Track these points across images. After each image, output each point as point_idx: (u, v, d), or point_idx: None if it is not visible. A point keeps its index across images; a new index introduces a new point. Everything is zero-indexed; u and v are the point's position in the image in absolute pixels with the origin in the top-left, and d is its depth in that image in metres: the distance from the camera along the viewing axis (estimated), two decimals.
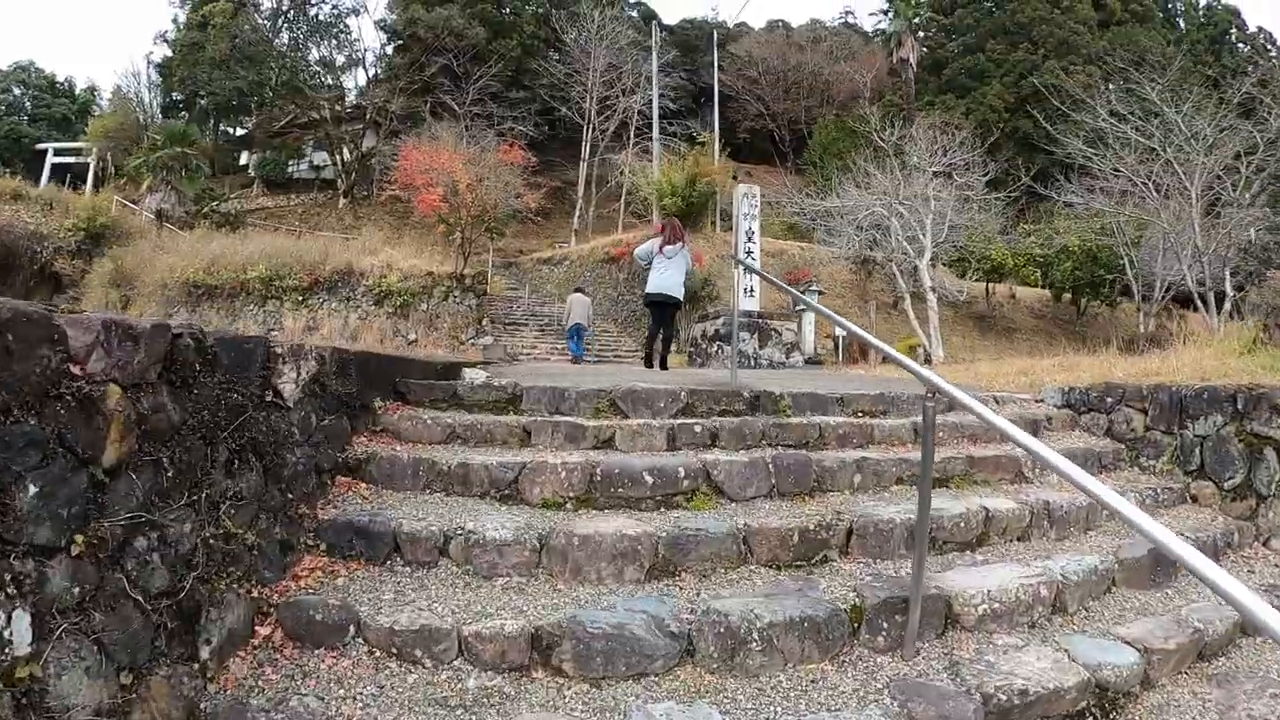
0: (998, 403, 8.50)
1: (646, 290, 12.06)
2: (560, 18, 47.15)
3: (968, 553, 5.16)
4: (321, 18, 51.52)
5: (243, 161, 54.53)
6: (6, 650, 2.40)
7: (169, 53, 52.76)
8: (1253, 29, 64.76)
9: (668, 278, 11.72)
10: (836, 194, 27.96)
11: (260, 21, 49.35)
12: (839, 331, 23.18)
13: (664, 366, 11.96)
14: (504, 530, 4.25)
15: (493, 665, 3.53)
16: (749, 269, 8.94)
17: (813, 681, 3.68)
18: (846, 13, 73.96)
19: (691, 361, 19.84)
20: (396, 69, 49.31)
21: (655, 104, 39.74)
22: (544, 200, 32.94)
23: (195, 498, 3.40)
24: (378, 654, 3.61)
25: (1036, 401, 9.11)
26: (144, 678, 2.98)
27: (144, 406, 3.08)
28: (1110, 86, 28.75)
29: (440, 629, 3.58)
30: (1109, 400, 8.44)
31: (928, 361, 21.10)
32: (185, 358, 3.36)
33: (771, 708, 3.44)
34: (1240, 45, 61.71)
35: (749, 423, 6.15)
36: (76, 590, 2.74)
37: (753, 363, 18.25)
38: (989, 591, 4.35)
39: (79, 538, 2.75)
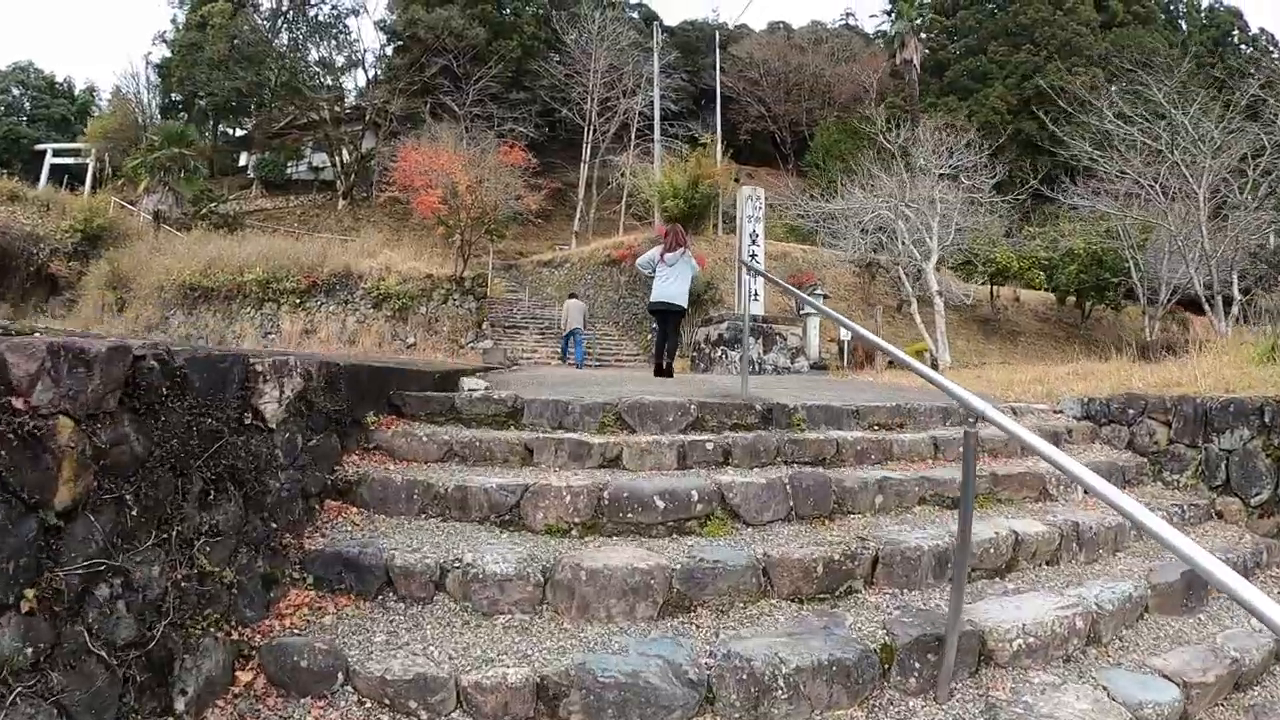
0: (1016, 414, 8.24)
1: (650, 299, 11.98)
2: (561, 19, 46.85)
3: (997, 580, 4.89)
4: (321, 18, 51.30)
5: (241, 162, 54.28)
6: None
7: (168, 53, 52.62)
8: (1254, 30, 64.78)
9: (671, 286, 11.61)
10: (842, 196, 27.61)
11: (259, 22, 49.12)
12: (844, 336, 22.88)
13: (669, 373, 11.77)
14: (505, 563, 3.91)
15: (494, 718, 3.20)
16: (757, 273, 8.58)
17: None
18: (847, 14, 74.16)
19: (694, 366, 19.52)
20: (396, 70, 49.03)
21: (657, 105, 39.49)
22: (544, 202, 32.66)
23: (165, 536, 3.08)
24: (368, 704, 3.29)
25: (1055, 412, 8.82)
26: None
27: (102, 439, 2.75)
28: (1113, 88, 28.38)
29: (436, 678, 3.26)
30: (1130, 412, 8.17)
31: (934, 366, 20.78)
32: (150, 382, 3.03)
33: None
34: (1242, 47, 61.59)
35: (763, 439, 5.84)
36: (30, 651, 2.44)
37: (757, 368, 17.93)
38: (1024, 625, 4.08)
39: (29, 592, 2.45)
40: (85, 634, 2.64)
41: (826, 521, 5.04)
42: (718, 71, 44.40)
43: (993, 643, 3.97)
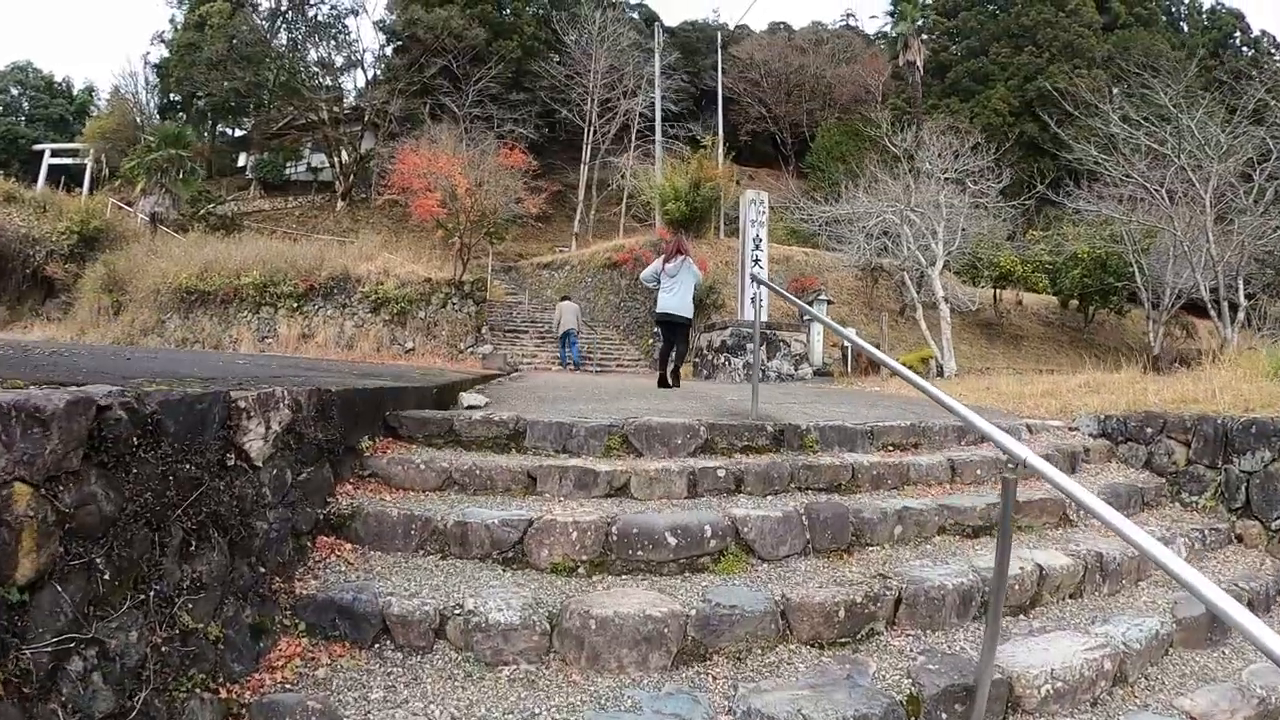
0: (1030, 431, 8.05)
1: (656, 310, 11.99)
2: (561, 19, 46.79)
3: (1021, 617, 4.65)
4: (320, 18, 51.14)
5: (240, 163, 54.19)
6: None
7: (166, 53, 52.47)
8: (1256, 32, 64.69)
9: (675, 297, 11.57)
10: (847, 200, 27.38)
11: (258, 22, 48.91)
12: (847, 342, 22.67)
13: (676, 383, 11.72)
14: (509, 610, 3.64)
15: None
16: (763, 284, 8.31)
17: None
18: (848, 15, 74.03)
19: (697, 373, 19.32)
20: (395, 70, 48.86)
21: (659, 106, 39.34)
22: (544, 204, 32.50)
23: (142, 597, 2.82)
24: None
25: (1070, 430, 8.60)
26: None
27: (65, 502, 2.49)
28: (1116, 91, 28.25)
29: None
30: (1148, 430, 7.95)
31: (939, 374, 20.59)
32: (118, 434, 2.77)
33: None
34: (1244, 49, 61.46)
35: (776, 464, 5.59)
36: None
37: (760, 375, 17.67)
38: (1052, 670, 3.86)
39: None
40: (59, 713, 2.40)
41: (845, 555, 4.81)
42: (719, 72, 44.28)
43: (1020, 689, 3.75)
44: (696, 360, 19.80)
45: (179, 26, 51.76)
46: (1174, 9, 66.22)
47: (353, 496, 4.70)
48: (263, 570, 3.69)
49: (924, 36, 57.69)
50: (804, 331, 20.25)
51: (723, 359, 18.68)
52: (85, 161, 45.21)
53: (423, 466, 5.10)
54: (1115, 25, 57.03)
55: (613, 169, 43.02)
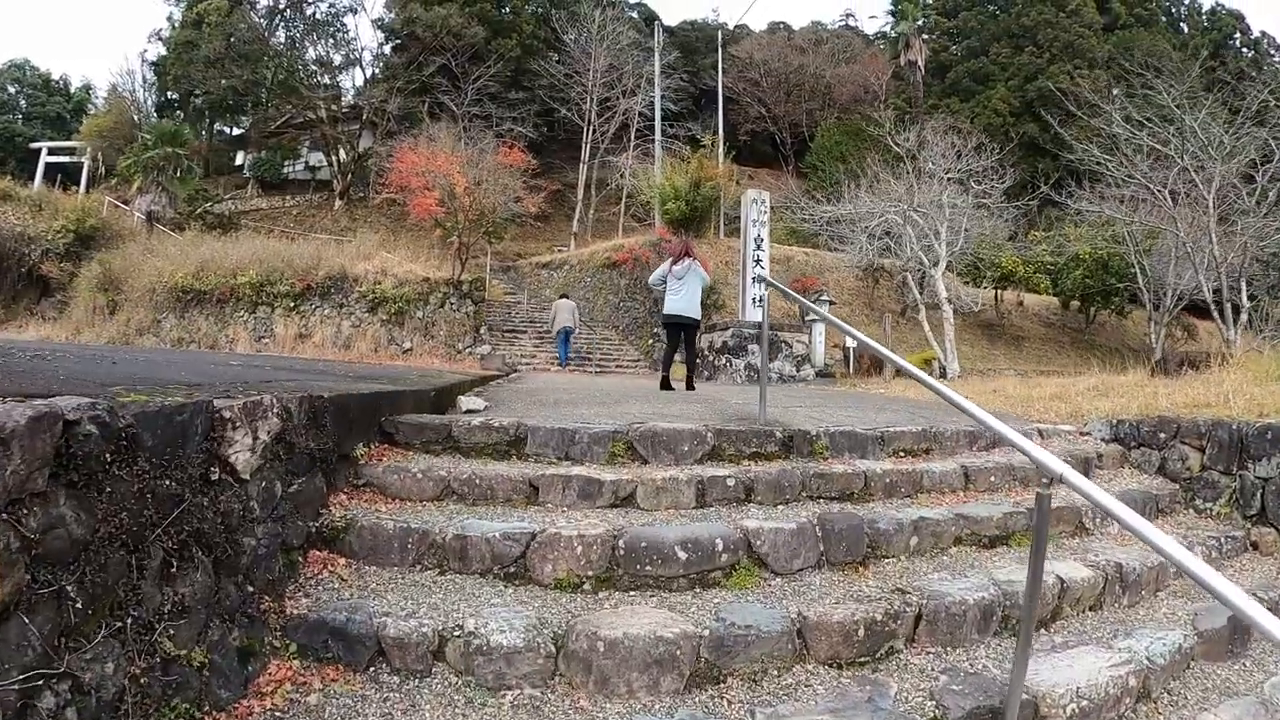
0: (1042, 435, 7.90)
1: (663, 312, 11.91)
2: (560, 18, 46.57)
3: (1043, 632, 4.45)
4: (318, 16, 50.80)
5: (238, 162, 53.88)
6: None
7: (164, 51, 52.11)
8: (1256, 34, 64.63)
9: (683, 299, 11.47)
10: (849, 199, 27.23)
11: (256, 20, 48.59)
12: (850, 343, 22.50)
13: (690, 387, 11.69)
14: (511, 631, 3.43)
15: None
16: (769, 283, 8.10)
17: None
18: (847, 15, 73.81)
19: (697, 374, 19.12)
20: (394, 68, 48.61)
21: (658, 105, 39.18)
22: (543, 203, 32.37)
23: (119, 624, 2.62)
24: None
25: (1082, 434, 8.44)
26: None
27: (31, 527, 2.28)
28: (1116, 91, 28.14)
29: None
30: (1162, 436, 7.80)
31: (942, 375, 20.41)
32: (89, 450, 2.56)
33: None
34: (1244, 50, 61.41)
35: (786, 473, 5.39)
36: None
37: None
38: (1077, 688, 3.66)
39: None
40: None
41: (860, 569, 4.62)
42: (720, 71, 44.16)
43: (1046, 708, 3.56)
44: (696, 361, 19.61)
45: (176, 24, 51.40)
46: (1174, 10, 66.16)
47: (347, 508, 4.49)
48: (251, 589, 3.48)
49: (924, 36, 57.59)
50: (805, 332, 20.10)
51: (724, 360, 18.51)
52: (82, 160, 44.96)
53: (420, 475, 4.88)
54: (1116, 26, 56.99)
55: (612, 168, 42.87)
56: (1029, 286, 34.84)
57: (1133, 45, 45.91)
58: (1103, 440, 8.28)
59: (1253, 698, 4.22)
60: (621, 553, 4.14)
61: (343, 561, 4.14)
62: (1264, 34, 64.72)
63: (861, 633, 3.82)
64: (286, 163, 51.41)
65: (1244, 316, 24.16)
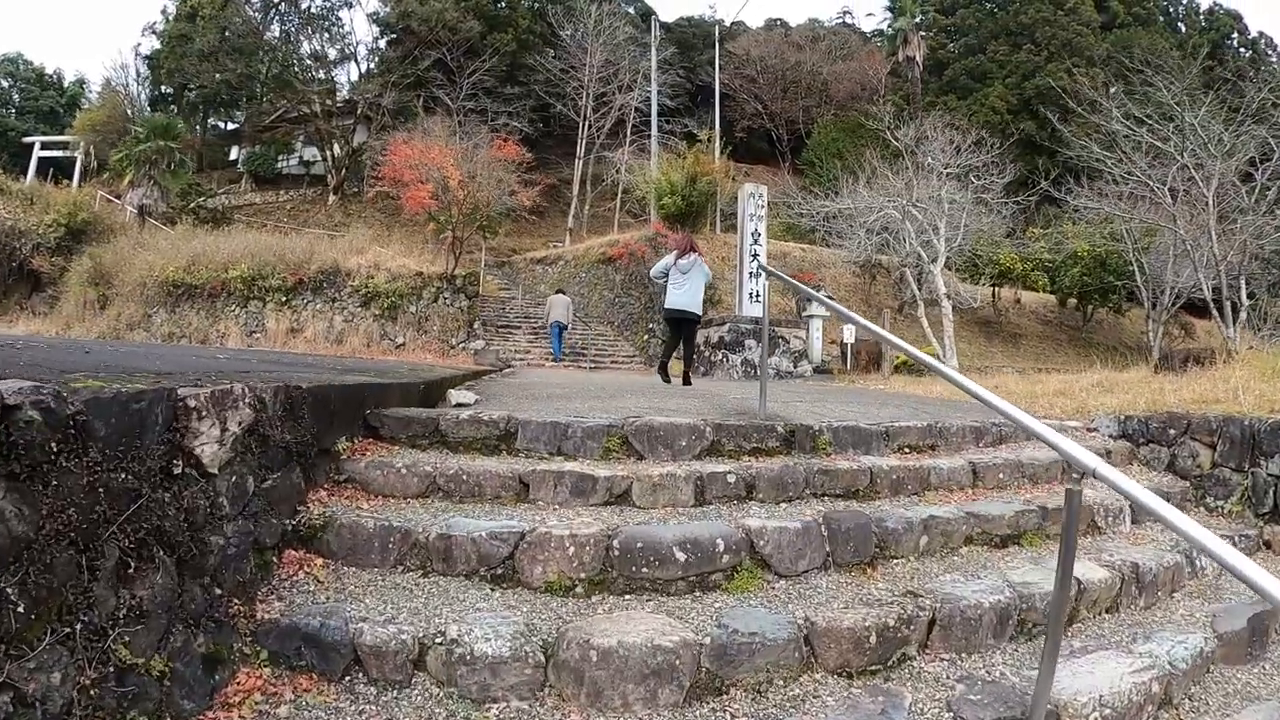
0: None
1: (665, 306, 11.81)
2: (556, 13, 46.36)
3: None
4: (313, 10, 50.43)
5: (232, 156, 53.59)
6: None
7: (157, 45, 51.81)
8: (1254, 34, 64.60)
9: (686, 294, 11.42)
10: (848, 195, 27.03)
11: (250, 13, 48.26)
12: (848, 338, 22.32)
13: (686, 382, 11.55)
14: (498, 639, 3.18)
15: None
16: (773, 274, 7.85)
17: None
18: (844, 12, 73.63)
19: (693, 369, 18.94)
20: (389, 63, 48.31)
21: (654, 100, 38.93)
22: (538, 198, 32.09)
23: (68, 630, 2.38)
24: None
25: (1089, 430, 8.22)
26: None
27: None
28: (1113, 89, 28.03)
29: None
30: (1171, 432, 7.60)
31: None
32: (30, 438, 2.31)
33: None
34: (1241, 50, 61.36)
35: (789, 469, 5.14)
36: None
37: (758, 371, 17.30)
38: (1100, 696, 3.46)
39: None
40: None
41: (868, 570, 4.38)
42: (716, 68, 43.92)
43: (1068, 718, 3.34)
44: (694, 355, 19.43)
45: (170, 17, 51.07)
46: (1172, 9, 66.03)
47: (326, 505, 4.23)
48: (219, 592, 3.24)
49: (921, 34, 57.47)
50: (803, 328, 19.89)
51: (720, 355, 18.28)
52: (75, 154, 44.71)
53: (404, 471, 4.62)
54: (1114, 24, 56.87)
55: (608, 164, 42.62)
56: (1026, 284, 34.71)
57: (1131, 44, 45.78)
58: (1110, 437, 8.06)
59: (1275, 702, 4.07)
60: (616, 553, 3.88)
61: (320, 562, 3.88)
62: (1262, 34, 64.80)
63: (873, 639, 3.58)
64: (281, 157, 51.11)
65: (1243, 315, 24.07)
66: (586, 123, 43.72)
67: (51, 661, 2.33)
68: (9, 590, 2.20)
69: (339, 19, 51.83)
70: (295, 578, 3.72)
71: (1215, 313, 24.09)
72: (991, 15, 58.69)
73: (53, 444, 2.40)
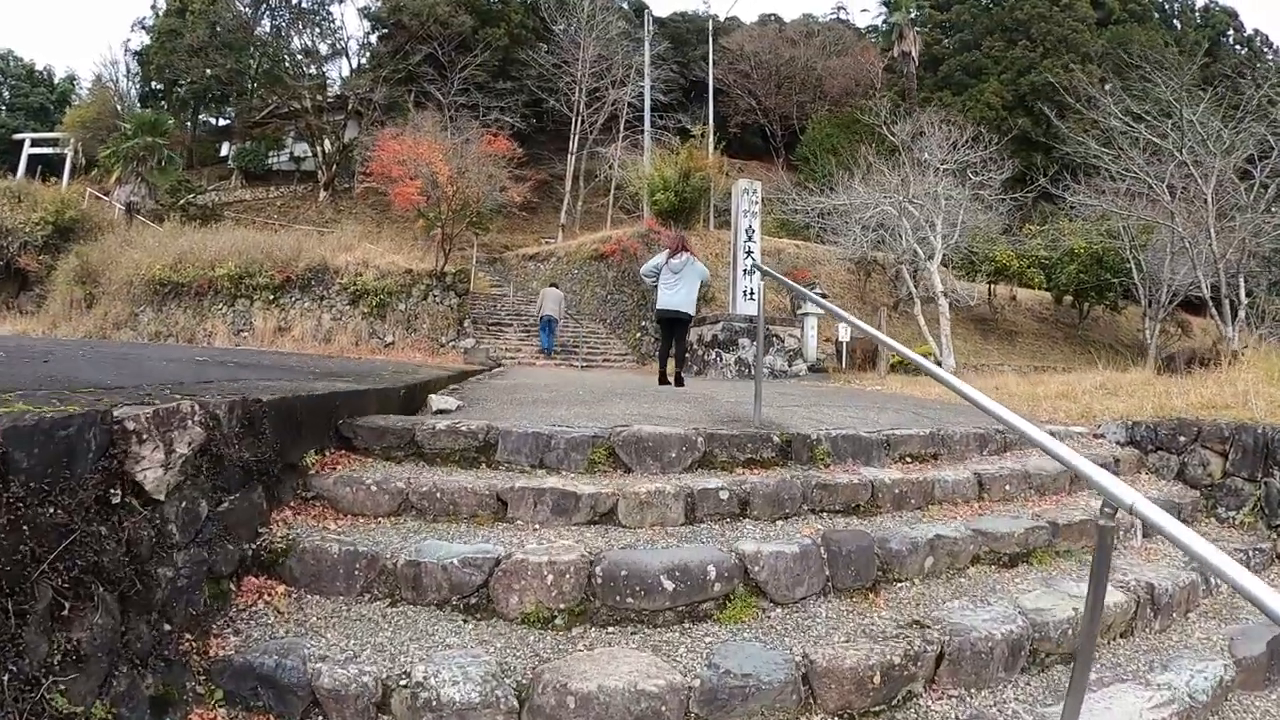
0: (1055, 438, 7.35)
1: (657, 307, 11.69)
2: (549, 7, 45.85)
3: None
4: (304, 5, 50.02)
5: (222, 152, 53.27)
6: None
7: (147, 40, 51.44)
8: (1249, 31, 64.50)
9: (677, 294, 11.31)
10: (843, 191, 26.79)
11: (241, 8, 47.85)
12: (843, 336, 22.07)
13: (679, 383, 11.42)
14: (467, 683, 2.89)
15: None
16: (764, 273, 7.56)
17: None
18: (839, 8, 73.11)
19: (686, 369, 18.68)
20: (380, 58, 47.97)
21: (647, 95, 38.62)
22: (530, 194, 31.89)
23: None
24: None
25: (1096, 437, 7.97)
26: None
27: None
28: (1108, 86, 27.89)
29: None
30: (1181, 439, 7.33)
31: None
32: None
33: None
34: (1237, 47, 61.27)
35: (786, 484, 4.85)
36: None
37: (752, 370, 17.11)
38: None
39: None
40: None
41: (870, 595, 4.10)
42: (710, 63, 43.62)
43: None
44: (686, 355, 19.19)
45: (160, 13, 50.71)
46: (1167, 6, 65.82)
47: (291, 525, 3.94)
48: (168, 627, 2.96)
49: (917, 29, 57.32)
50: (798, 327, 19.68)
51: (714, 354, 18.05)
52: (65, 151, 44.35)
53: (374, 488, 4.31)
54: (1109, 21, 56.66)
55: (600, 159, 42.33)
56: (1022, 281, 34.58)
57: (1127, 40, 45.69)
58: (1118, 443, 7.80)
59: None
60: (599, 582, 3.60)
61: (281, 589, 3.58)
62: (1258, 31, 64.82)
63: (877, 679, 3.29)
64: (271, 153, 50.77)
65: (1241, 314, 23.94)
66: (579, 118, 43.41)
67: None
68: None
69: (330, 14, 51.60)
70: (254, 608, 3.43)
71: (1214, 311, 23.99)
72: (986, 11, 58.51)
73: None
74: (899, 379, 16.18)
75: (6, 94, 59.16)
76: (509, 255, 37.61)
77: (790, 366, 18.51)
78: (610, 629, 3.51)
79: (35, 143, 47.04)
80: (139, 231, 28.69)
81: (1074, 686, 2.76)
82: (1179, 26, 63.30)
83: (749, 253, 18.04)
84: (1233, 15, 64.67)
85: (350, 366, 9.22)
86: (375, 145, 29.81)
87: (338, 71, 54.05)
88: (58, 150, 45.53)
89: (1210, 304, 24.00)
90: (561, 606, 3.54)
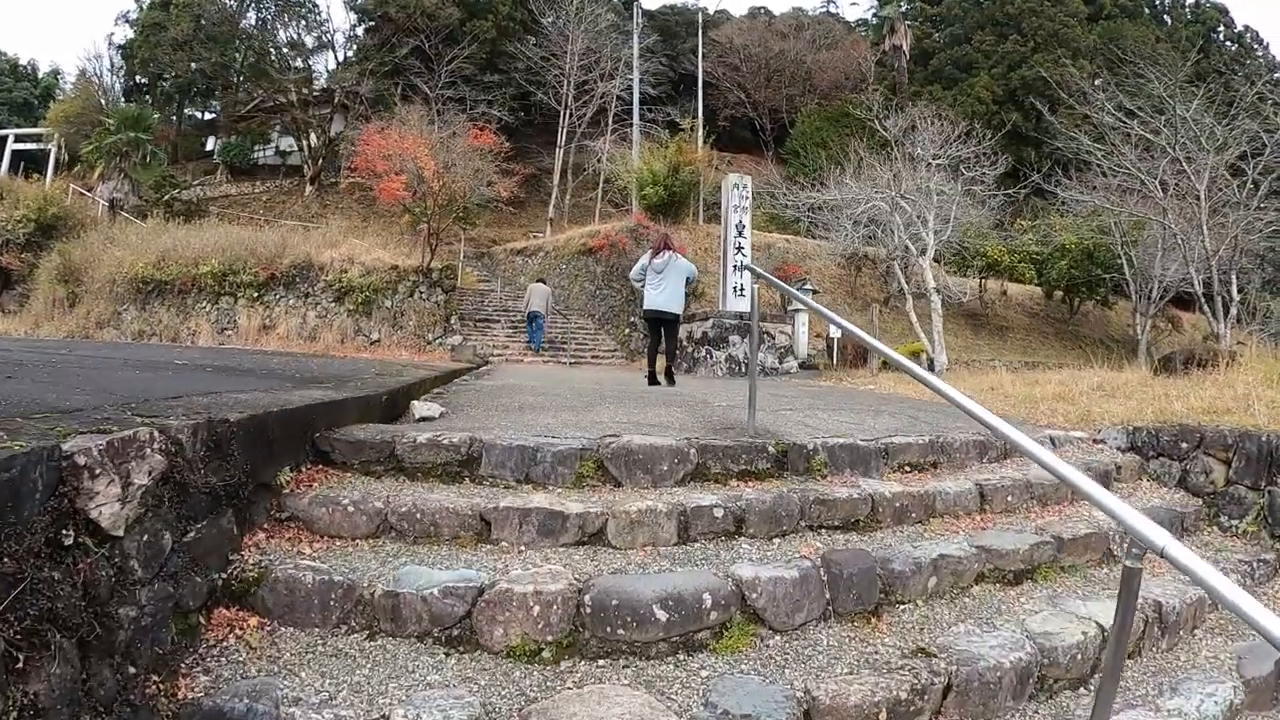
0: (1055, 444, 7.29)
1: (643, 308, 11.74)
2: None
3: (1083, 692, 3.84)
4: None
5: (208, 147, 52.96)
6: None
7: (131, 34, 51.03)
8: (1239, 28, 64.62)
9: (663, 293, 11.31)
10: (835, 185, 26.64)
11: (226, 1, 47.50)
12: (834, 333, 21.92)
13: (670, 381, 11.62)
14: None
15: None
16: (760, 275, 7.35)
17: None
18: (828, 1, 72.97)
19: (675, 365, 18.54)
20: (366, 50, 47.68)
21: (636, 89, 38.46)
22: (518, 189, 31.58)
23: None
24: None
25: (1096, 442, 7.81)
26: None
27: None
28: (1098, 81, 27.83)
29: None
30: (1183, 446, 7.23)
31: (930, 367, 19.82)
32: None
33: None
34: (1228, 43, 61.34)
35: (783, 499, 4.65)
36: None
37: (742, 368, 16.98)
38: None
39: None
40: None
41: (873, 620, 3.91)
42: (700, 56, 43.47)
43: None
44: (676, 353, 19.05)
45: (144, 6, 50.38)
46: (1158, 2, 65.74)
47: (264, 551, 3.72)
48: (133, 670, 2.75)
49: (907, 23, 57.26)
50: (788, 323, 19.54)
51: (703, 351, 17.89)
52: (49, 147, 44.01)
53: (351, 509, 4.08)
54: (1100, 16, 56.62)
55: (589, 153, 42.18)
56: (1013, 276, 34.57)
57: (1118, 36, 45.73)
58: (1118, 449, 7.67)
59: None
60: (588, 611, 3.40)
61: (254, 622, 3.35)
62: (1248, 28, 64.87)
63: (883, 716, 3.11)
64: (257, 148, 50.54)
65: (1233, 311, 23.96)
66: (567, 111, 43.18)
67: None
68: None
69: (316, 6, 51.44)
70: (225, 643, 3.21)
71: (1205, 307, 24.01)
72: (978, 5, 58.40)
73: None
74: (891, 378, 16.01)
75: None
76: (496, 250, 37.40)
77: (781, 364, 18.37)
78: (600, 662, 3.31)
79: (19, 139, 46.83)
80: (122, 228, 28.34)
81: None
82: (1169, 22, 63.27)
83: (739, 248, 17.89)
84: (1223, 11, 64.69)
85: (333, 368, 9.02)
86: (360, 140, 29.47)
87: (324, 65, 53.87)
88: (41, 146, 45.31)
89: (1202, 300, 24.01)
90: (549, 639, 3.34)
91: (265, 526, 3.95)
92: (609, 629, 3.38)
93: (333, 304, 22.16)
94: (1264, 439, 6.57)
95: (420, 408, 6.34)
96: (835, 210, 26.58)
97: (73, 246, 26.53)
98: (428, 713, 2.77)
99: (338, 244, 24.31)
